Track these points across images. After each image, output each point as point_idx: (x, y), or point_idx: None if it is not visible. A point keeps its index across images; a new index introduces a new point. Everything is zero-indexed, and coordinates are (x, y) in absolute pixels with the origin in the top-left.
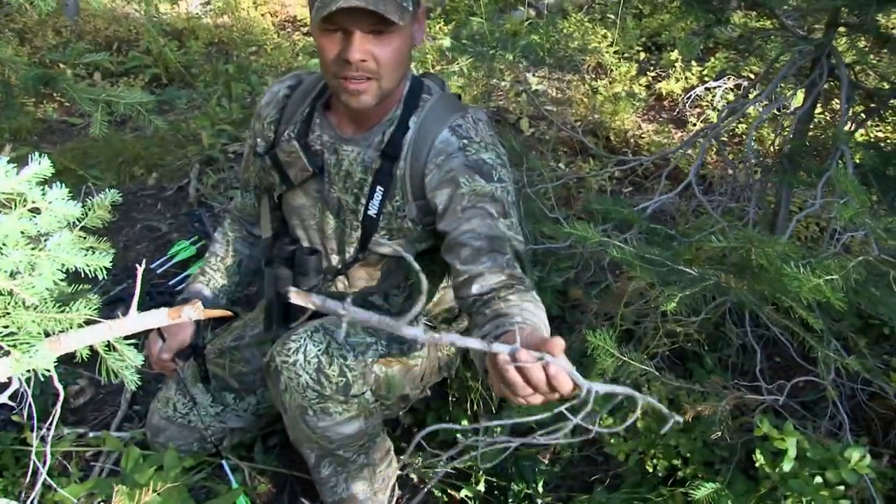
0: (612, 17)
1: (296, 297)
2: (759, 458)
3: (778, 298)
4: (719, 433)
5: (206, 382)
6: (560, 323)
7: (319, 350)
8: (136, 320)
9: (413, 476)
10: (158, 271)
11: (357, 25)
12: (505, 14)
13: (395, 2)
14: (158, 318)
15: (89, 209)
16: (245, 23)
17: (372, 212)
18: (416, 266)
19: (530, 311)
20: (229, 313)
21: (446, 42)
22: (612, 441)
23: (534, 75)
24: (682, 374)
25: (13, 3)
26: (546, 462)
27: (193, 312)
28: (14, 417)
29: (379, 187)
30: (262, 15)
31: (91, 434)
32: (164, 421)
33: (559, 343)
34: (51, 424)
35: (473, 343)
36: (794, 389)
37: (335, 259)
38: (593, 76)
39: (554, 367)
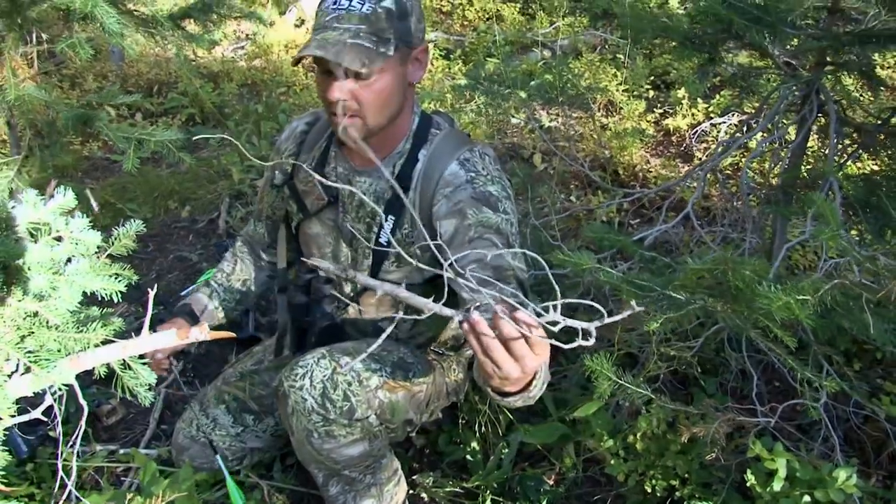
0: (622, 57)
1: (312, 262)
2: (751, 479)
3: (755, 318)
4: (714, 454)
5: (188, 387)
6: (568, 349)
7: (325, 376)
8: (147, 340)
9: (423, 495)
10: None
11: (339, 69)
12: (522, 56)
13: (366, 50)
14: (168, 338)
15: (115, 238)
16: (276, 65)
17: (383, 239)
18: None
19: None
20: (233, 335)
21: (464, 81)
22: (612, 462)
23: (546, 113)
24: (684, 398)
25: (59, 51)
26: (551, 482)
27: (200, 334)
28: (52, 434)
29: (390, 216)
30: (293, 58)
31: (121, 451)
32: (188, 440)
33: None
34: (75, 440)
35: (445, 311)
36: (791, 413)
37: (348, 287)
38: (604, 113)
39: (535, 332)
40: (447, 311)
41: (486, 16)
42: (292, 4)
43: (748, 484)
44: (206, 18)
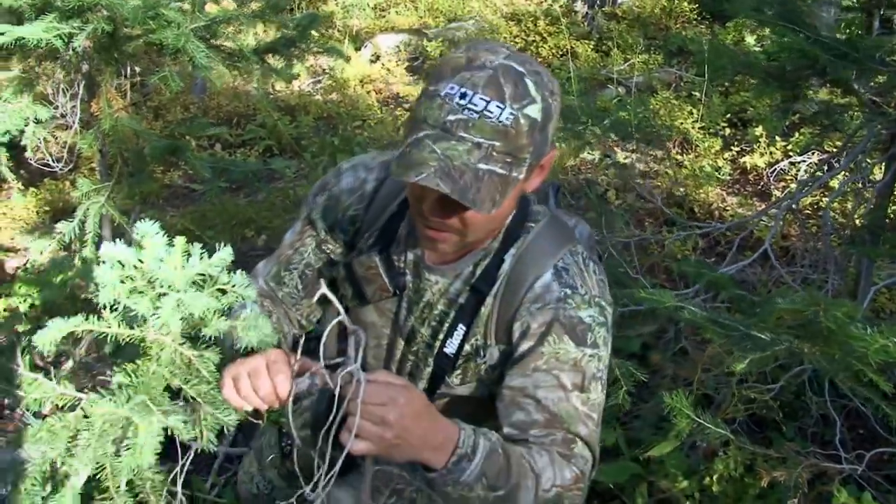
0: (698, 94)
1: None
2: None
3: (848, 362)
4: (795, 501)
5: (284, 457)
6: (641, 388)
7: None
8: (295, 385)
9: None
10: None
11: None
12: (597, 92)
13: (499, 180)
14: (313, 382)
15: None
16: (351, 99)
17: (449, 350)
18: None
19: (531, 461)
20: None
21: None
22: None
23: (621, 150)
24: (761, 441)
25: (150, 83)
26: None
27: (342, 380)
28: None
29: (461, 325)
30: (368, 92)
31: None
32: (250, 495)
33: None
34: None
35: None
36: (878, 462)
37: None
38: (679, 150)
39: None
40: None
41: (560, 53)
42: (367, 41)
43: None
44: (288, 53)
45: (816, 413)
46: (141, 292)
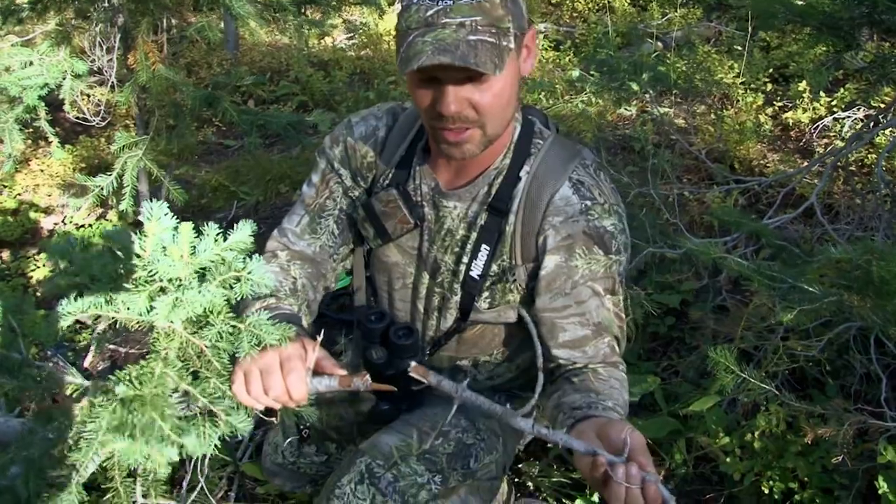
0: (739, 49)
1: (414, 371)
2: (883, 486)
3: None
4: (840, 458)
5: (302, 441)
6: (679, 344)
7: None
8: (309, 385)
9: (529, 483)
10: None
11: (448, 74)
12: (633, 47)
13: (492, 46)
14: (330, 383)
15: (231, 247)
16: (385, 54)
17: (475, 273)
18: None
19: (617, 390)
20: (394, 389)
21: (576, 73)
22: (727, 460)
23: (659, 105)
24: (803, 398)
25: (187, 35)
26: (660, 478)
27: (361, 384)
28: None
29: (484, 246)
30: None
31: None
32: (276, 466)
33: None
34: None
35: (580, 446)
36: None
37: (430, 325)
38: (719, 106)
39: (653, 489)
40: (575, 444)
41: (597, 7)
42: None
43: (879, 492)
44: (325, 3)
45: (860, 371)
46: (138, 287)
